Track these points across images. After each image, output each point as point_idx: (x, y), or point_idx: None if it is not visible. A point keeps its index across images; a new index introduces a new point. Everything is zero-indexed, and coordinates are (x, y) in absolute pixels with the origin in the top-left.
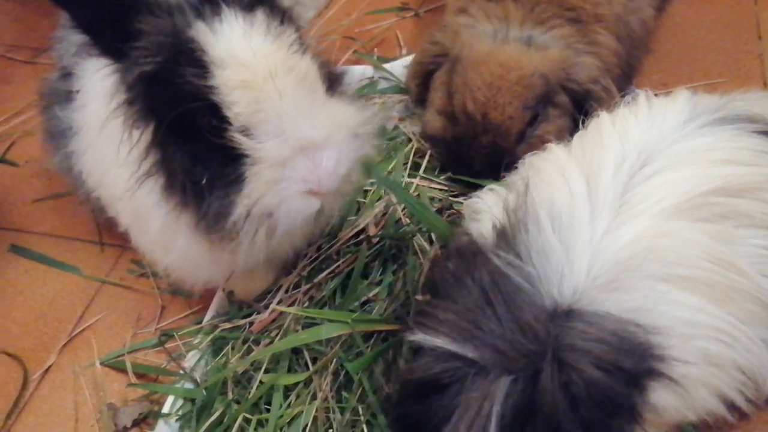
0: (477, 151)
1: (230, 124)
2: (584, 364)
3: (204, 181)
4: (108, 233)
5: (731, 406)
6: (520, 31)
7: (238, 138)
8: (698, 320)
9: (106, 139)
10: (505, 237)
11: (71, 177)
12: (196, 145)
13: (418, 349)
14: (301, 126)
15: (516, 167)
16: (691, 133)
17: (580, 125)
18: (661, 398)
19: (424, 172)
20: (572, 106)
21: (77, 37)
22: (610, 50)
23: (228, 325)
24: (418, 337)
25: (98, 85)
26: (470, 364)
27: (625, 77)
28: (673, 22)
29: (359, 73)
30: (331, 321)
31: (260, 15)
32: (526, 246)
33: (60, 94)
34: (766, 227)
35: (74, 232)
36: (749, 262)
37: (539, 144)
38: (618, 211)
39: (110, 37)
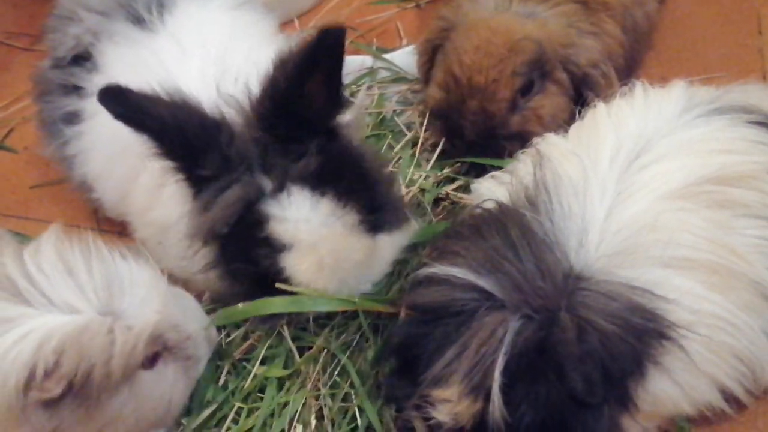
0: (467, 118)
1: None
2: (598, 318)
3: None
4: (104, 220)
5: (729, 397)
6: (523, 6)
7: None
8: (698, 307)
9: (135, 167)
10: (527, 199)
11: (65, 165)
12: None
13: (427, 283)
14: (358, 289)
15: (509, 141)
16: (687, 123)
17: (577, 115)
18: (658, 387)
19: (425, 159)
20: (572, 88)
21: (74, 30)
22: (615, 39)
23: None
24: (435, 269)
25: None
26: (487, 296)
27: (627, 69)
28: (674, 16)
29: (358, 62)
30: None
31: (328, 197)
32: (547, 208)
33: (53, 83)
34: (763, 217)
35: (71, 219)
36: (749, 251)
37: (533, 117)
38: (617, 198)
39: (190, 169)
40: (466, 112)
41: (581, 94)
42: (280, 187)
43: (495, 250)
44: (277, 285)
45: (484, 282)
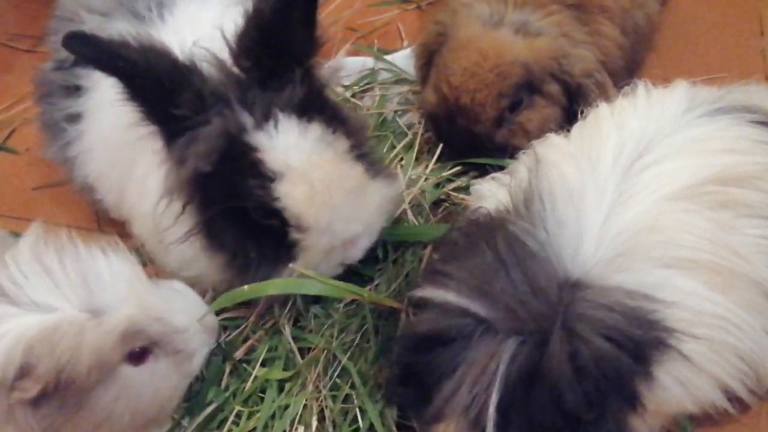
0: (454, 132)
1: (285, 221)
2: (593, 335)
3: (253, 254)
4: (106, 221)
5: (732, 397)
6: (517, 15)
7: (292, 232)
8: (700, 307)
9: (130, 161)
10: (521, 207)
11: (67, 167)
12: (245, 222)
13: (424, 305)
14: (348, 229)
15: (495, 152)
16: (690, 123)
17: (579, 115)
18: (661, 387)
19: (426, 160)
20: (564, 96)
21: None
22: (613, 42)
23: (227, 315)
24: (427, 292)
25: (113, 97)
26: (479, 321)
27: (627, 71)
28: (676, 17)
29: (360, 64)
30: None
31: (315, 124)
32: (541, 216)
33: (55, 85)
34: (765, 217)
35: (73, 220)
36: (751, 251)
37: (520, 131)
38: (617, 199)
39: (163, 116)
40: (455, 127)
41: (576, 98)
42: (265, 118)
43: (485, 270)
44: (291, 265)
45: (475, 306)
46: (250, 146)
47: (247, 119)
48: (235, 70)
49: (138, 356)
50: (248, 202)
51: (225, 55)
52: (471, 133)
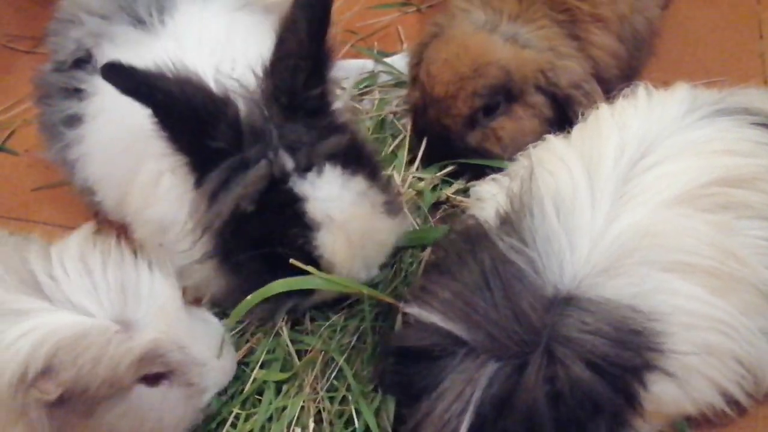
0: (427, 124)
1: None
2: (573, 361)
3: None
4: (105, 223)
5: (730, 400)
6: (510, 26)
7: (321, 273)
8: (698, 310)
9: (133, 166)
10: (509, 222)
11: (67, 169)
12: (269, 256)
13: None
14: (369, 274)
15: (467, 154)
16: (691, 124)
17: (575, 121)
18: (660, 389)
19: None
20: (551, 110)
21: (75, 34)
22: (607, 51)
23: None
24: (415, 310)
25: (115, 102)
26: (461, 343)
27: (625, 78)
28: (675, 21)
29: (359, 66)
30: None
31: (359, 177)
32: (530, 231)
33: (54, 87)
34: (766, 218)
35: (72, 221)
36: (750, 253)
37: (492, 137)
38: (618, 201)
39: (197, 151)
40: (427, 119)
41: (565, 110)
42: (308, 163)
43: (470, 290)
44: (292, 261)
45: (457, 329)
46: (295, 195)
47: (288, 161)
48: (270, 104)
49: (152, 379)
50: (287, 248)
51: (255, 86)
52: (441, 126)
